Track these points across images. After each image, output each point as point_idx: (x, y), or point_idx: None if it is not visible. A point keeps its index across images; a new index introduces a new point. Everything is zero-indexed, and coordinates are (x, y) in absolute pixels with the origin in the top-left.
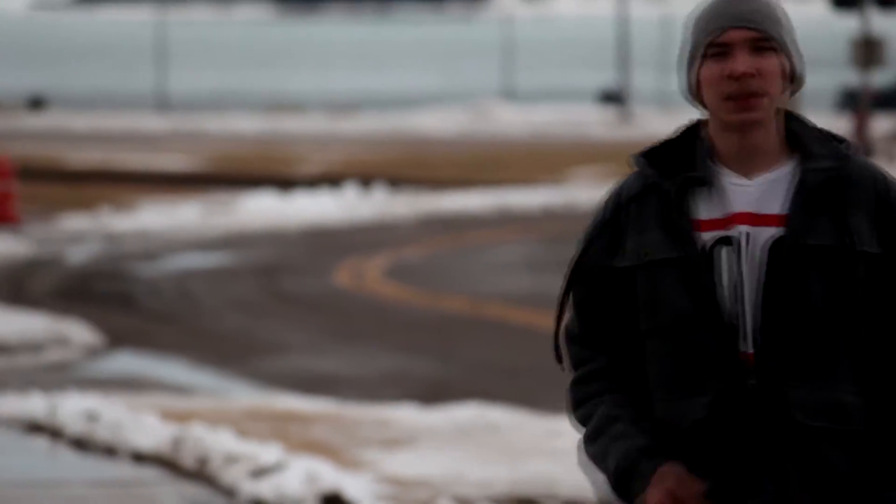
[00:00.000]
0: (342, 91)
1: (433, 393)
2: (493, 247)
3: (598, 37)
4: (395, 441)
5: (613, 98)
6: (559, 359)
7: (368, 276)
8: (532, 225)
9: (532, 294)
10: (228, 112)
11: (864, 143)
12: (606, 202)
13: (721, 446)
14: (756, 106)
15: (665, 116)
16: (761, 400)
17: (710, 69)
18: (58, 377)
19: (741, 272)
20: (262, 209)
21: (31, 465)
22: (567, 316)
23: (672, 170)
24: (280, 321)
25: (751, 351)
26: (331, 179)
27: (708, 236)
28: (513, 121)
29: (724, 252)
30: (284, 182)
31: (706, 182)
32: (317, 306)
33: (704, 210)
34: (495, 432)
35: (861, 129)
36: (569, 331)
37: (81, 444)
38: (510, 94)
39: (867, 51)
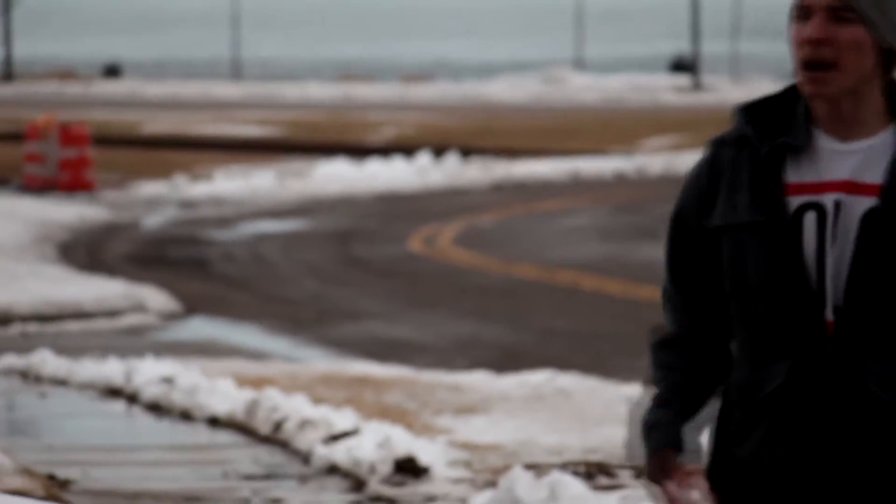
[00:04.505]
0: (415, 58)
1: (506, 359)
2: (565, 214)
3: (669, 5)
4: (469, 407)
5: (685, 66)
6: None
7: (441, 242)
8: (604, 192)
9: (603, 260)
10: (302, 79)
11: None
12: (703, 157)
13: (798, 414)
14: (825, 79)
15: (737, 84)
16: (838, 369)
17: (793, 31)
18: (134, 342)
19: (824, 241)
20: (336, 176)
21: (107, 429)
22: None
23: (769, 129)
24: (353, 287)
25: (833, 319)
26: (404, 146)
27: (797, 201)
28: (585, 88)
29: (811, 218)
30: (358, 149)
31: (800, 146)
32: (390, 272)
33: (797, 174)
34: (567, 398)
35: None
36: (663, 288)
37: (157, 409)
38: (582, 62)
39: None
